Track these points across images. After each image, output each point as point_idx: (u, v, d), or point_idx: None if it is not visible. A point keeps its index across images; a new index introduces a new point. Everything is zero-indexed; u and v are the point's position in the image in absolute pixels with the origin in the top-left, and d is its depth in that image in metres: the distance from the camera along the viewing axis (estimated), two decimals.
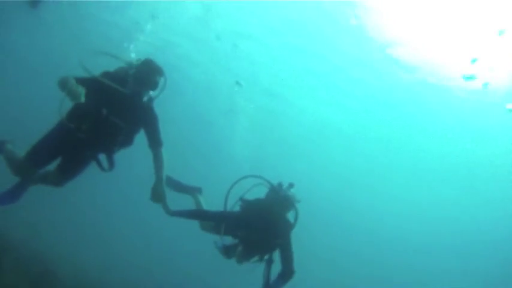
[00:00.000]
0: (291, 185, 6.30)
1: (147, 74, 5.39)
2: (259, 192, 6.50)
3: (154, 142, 5.63)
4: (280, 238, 6.11)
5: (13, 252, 10.22)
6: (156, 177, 5.56)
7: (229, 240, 6.39)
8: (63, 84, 4.67)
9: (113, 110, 5.19)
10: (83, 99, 4.68)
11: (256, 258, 6.25)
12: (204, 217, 6.47)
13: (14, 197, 5.59)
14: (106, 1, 16.66)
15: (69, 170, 5.57)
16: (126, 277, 16.60)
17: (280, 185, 6.32)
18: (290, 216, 6.31)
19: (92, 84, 5.00)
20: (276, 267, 6.18)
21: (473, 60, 13.50)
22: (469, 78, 14.45)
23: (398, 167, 25.94)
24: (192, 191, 7.21)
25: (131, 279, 16.98)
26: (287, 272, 6.07)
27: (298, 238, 6.32)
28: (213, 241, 6.67)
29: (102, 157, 5.59)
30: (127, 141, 5.50)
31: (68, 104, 5.11)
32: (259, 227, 6.05)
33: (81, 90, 4.68)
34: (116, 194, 24.89)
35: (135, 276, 17.82)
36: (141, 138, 5.68)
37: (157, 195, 5.54)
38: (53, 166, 5.58)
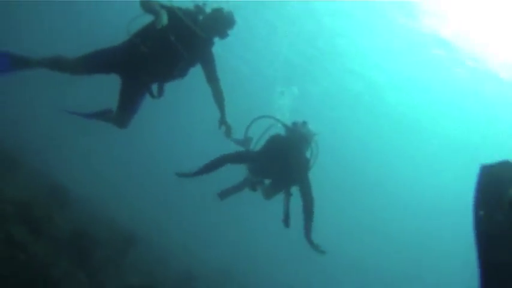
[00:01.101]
0: (304, 123, 6.39)
1: (217, 22, 5.61)
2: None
3: (213, 77, 5.85)
4: (298, 172, 6.25)
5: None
6: (220, 111, 5.95)
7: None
8: (146, 4, 5.05)
9: (180, 40, 5.36)
10: (165, 22, 4.93)
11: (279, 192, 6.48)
12: (228, 160, 6.43)
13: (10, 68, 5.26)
14: None
15: (126, 101, 5.71)
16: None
17: (295, 124, 6.42)
18: (308, 153, 6.48)
19: (168, 13, 5.16)
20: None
21: None
22: None
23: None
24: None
25: None
26: (308, 202, 6.19)
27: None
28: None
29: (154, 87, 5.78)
30: (182, 72, 5.66)
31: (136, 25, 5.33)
32: (279, 162, 6.22)
33: (164, 13, 4.97)
34: None
35: None
36: None
37: (226, 127, 5.95)
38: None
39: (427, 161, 28.77)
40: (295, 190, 6.46)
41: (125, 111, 5.74)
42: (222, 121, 5.97)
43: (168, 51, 5.35)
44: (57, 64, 5.30)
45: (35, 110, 21.00)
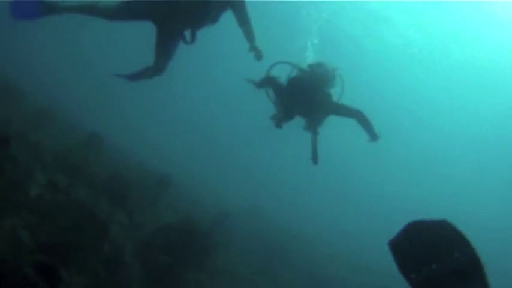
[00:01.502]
0: (320, 64, 6.40)
1: None
2: None
3: (244, 20, 6.02)
4: (323, 110, 6.43)
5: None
6: (249, 41, 6.21)
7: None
8: None
9: None
10: None
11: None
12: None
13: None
14: None
15: (162, 48, 5.87)
16: None
17: (310, 66, 6.45)
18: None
19: None
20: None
21: None
22: None
23: None
24: None
25: None
26: (358, 116, 6.36)
27: None
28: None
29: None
30: (215, 17, 5.78)
31: None
32: (301, 103, 6.36)
33: None
34: None
35: None
36: None
37: (256, 52, 6.21)
38: None
39: None
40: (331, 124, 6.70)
41: (161, 58, 5.93)
42: (252, 47, 6.22)
43: None
44: (93, 10, 5.38)
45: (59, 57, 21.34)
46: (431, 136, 39.00)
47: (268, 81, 7.05)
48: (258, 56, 6.32)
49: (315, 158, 6.50)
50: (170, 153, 20.20)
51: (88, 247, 5.15)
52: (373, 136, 6.39)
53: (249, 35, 6.19)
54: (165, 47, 5.87)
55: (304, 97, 6.34)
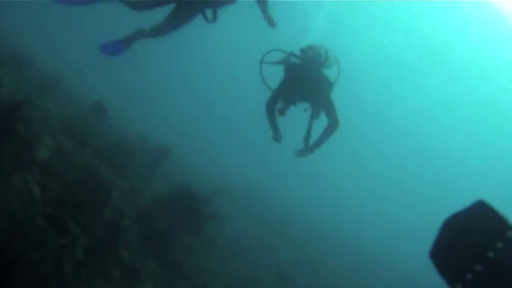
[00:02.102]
0: (309, 47, 6.49)
1: None
2: None
3: None
4: (321, 93, 6.58)
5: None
6: (263, 12, 6.23)
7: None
8: None
9: None
10: None
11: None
12: (273, 103, 6.86)
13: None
14: None
15: (176, 21, 6.09)
16: None
17: (302, 50, 6.55)
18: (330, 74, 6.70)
19: None
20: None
21: None
22: None
23: None
24: None
25: None
26: (333, 123, 6.58)
27: None
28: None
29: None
30: None
31: None
32: (300, 88, 6.58)
33: None
34: None
35: None
36: None
37: (269, 20, 6.15)
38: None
39: None
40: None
41: (169, 27, 6.15)
42: (267, 16, 6.47)
43: None
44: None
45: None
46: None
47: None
48: (272, 23, 6.52)
49: (307, 138, 6.71)
50: (172, 124, 20.57)
51: (92, 209, 5.54)
52: (313, 146, 6.71)
53: (264, 5, 6.27)
54: (179, 20, 6.10)
55: (301, 83, 6.54)
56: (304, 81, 6.53)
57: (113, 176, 7.49)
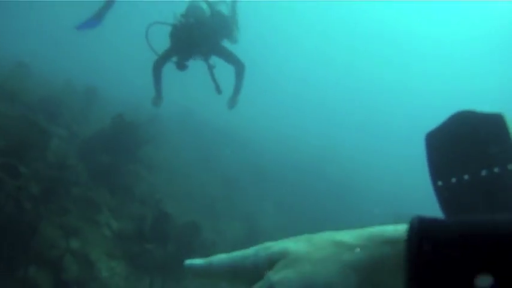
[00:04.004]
0: (188, 13, 6.69)
1: None
2: None
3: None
4: (209, 45, 6.90)
5: None
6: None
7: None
8: None
9: None
10: None
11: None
12: (161, 63, 7.28)
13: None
14: None
15: None
16: None
17: (183, 16, 6.74)
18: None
19: None
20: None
21: None
22: None
23: None
24: None
25: None
26: (238, 66, 7.08)
27: None
28: None
29: None
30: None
31: None
32: (190, 46, 6.80)
33: None
34: None
35: None
36: None
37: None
38: None
39: None
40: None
41: None
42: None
43: None
44: None
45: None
46: None
47: None
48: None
49: (217, 88, 7.00)
50: (99, 66, 20.74)
51: (35, 155, 6.24)
52: (233, 98, 7.32)
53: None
54: None
55: (188, 43, 6.74)
56: (190, 40, 6.71)
57: (49, 125, 8.10)
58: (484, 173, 1.20)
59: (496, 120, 1.18)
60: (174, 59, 7.06)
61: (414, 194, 13.95)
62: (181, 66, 6.98)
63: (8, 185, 4.82)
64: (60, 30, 25.19)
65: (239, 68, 7.13)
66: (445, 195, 1.27)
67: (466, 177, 1.22)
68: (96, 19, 7.40)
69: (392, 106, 43.76)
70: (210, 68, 6.99)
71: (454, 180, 1.24)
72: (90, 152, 8.44)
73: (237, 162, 15.03)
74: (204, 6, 6.81)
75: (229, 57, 7.07)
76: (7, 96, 7.77)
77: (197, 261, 0.68)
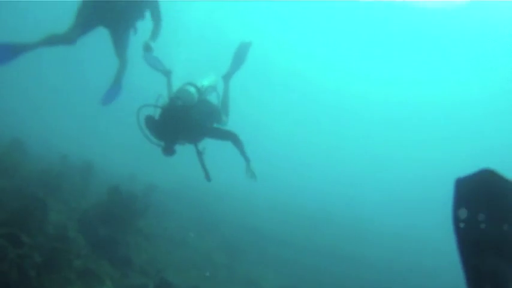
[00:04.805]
0: (178, 97, 6.65)
1: None
2: None
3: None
4: (195, 134, 6.84)
5: None
6: (152, 36, 7.37)
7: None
8: None
9: None
10: None
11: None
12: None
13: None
14: None
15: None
16: None
17: (171, 99, 6.73)
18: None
19: None
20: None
21: None
22: None
23: None
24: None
25: None
26: (232, 138, 6.90)
27: None
28: None
29: None
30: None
31: None
32: (175, 134, 6.63)
33: None
34: None
35: None
36: None
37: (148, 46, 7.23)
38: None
39: None
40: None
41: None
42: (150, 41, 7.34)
43: None
44: (53, 40, 6.42)
45: None
46: None
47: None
48: (148, 48, 7.27)
49: (207, 176, 6.83)
50: (91, 142, 20.97)
51: (35, 226, 6.26)
52: (247, 164, 7.03)
53: (155, 32, 7.37)
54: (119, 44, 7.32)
55: (174, 129, 6.57)
56: (176, 128, 6.59)
57: (48, 199, 8.13)
58: (505, 227, 1.41)
59: None
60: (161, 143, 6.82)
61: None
62: (168, 151, 6.77)
63: (11, 253, 4.81)
64: (52, 111, 25.72)
65: (234, 140, 7.02)
66: (465, 236, 1.46)
67: (485, 226, 1.41)
68: (116, 87, 7.69)
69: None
70: (199, 154, 6.84)
71: (479, 225, 1.43)
72: (89, 225, 8.44)
73: (237, 226, 15.01)
74: (193, 91, 6.87)
75: (221, 136, 7.04)
76: (5, 171, 7.85)
77: None
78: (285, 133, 48.21)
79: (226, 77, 8.22)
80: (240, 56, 8.34)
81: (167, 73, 8.00)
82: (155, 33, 7.40)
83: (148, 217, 10.29)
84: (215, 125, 7.31)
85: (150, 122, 6.44)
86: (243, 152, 7.01)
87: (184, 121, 6.54)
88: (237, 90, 8.54)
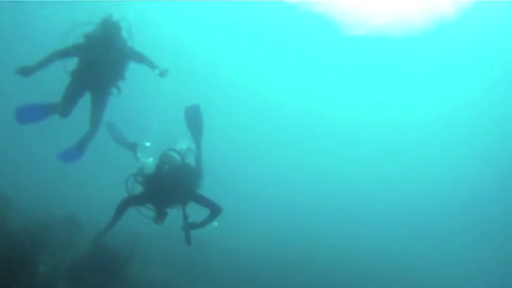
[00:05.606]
0: (163, 162, 6.87)
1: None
2: None
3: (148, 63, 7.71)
4: (184, 197, 7.12)
5: None
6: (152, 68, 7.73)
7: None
8: None
9: None
10: None
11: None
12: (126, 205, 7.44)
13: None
14: None
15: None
16: None
17: (158, 166, 6.94)
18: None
19: None
20: None
21: None
22: None
23: None
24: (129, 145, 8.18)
25: None
26: (215, 211, 7.08)
27: None
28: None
29: None
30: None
31: None
32: (165, 196, 6.99)
33: None
34: None
35: None
36: None
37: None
38: None
39: None
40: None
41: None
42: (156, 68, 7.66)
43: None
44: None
45: None
46: None
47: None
48: (164, 73, 7.63)
49: (188, 240, 7.21)
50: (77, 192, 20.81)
51: (26, 278, 6.23)
52: (195, 227, 7.22)
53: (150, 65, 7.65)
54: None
55: (165, 193, 6.92)
56: (165, 188, 6.87)
57: (36, 252, 8.06)
58: None
59: None
60: (152, 209, 7.18)
61: None
62: (160, 217, 7.14)
63: None
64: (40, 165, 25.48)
65: (215, 212, 7.18)
66: None
67: None
68: (78, 151, 7.86)
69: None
70: (185, 217, 7.17)
71: None
72: (77, 277, 8.38)
73: (227, 270, 14.89)
74: (176, 156, 7.04)
75: (207, 204, 7.18)
76: None
77: None
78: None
79: (196, 145, 7.98)
80: (193, 122, 7.97)
81: (132, 146, 8.18)
82: (153, 64, 7.68)
83: (137, 265, 10.22)
84: (196, 190, 7.40)
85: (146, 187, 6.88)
86: (207, 221, 7.20)
87: (174, 184, 6.82)
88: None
